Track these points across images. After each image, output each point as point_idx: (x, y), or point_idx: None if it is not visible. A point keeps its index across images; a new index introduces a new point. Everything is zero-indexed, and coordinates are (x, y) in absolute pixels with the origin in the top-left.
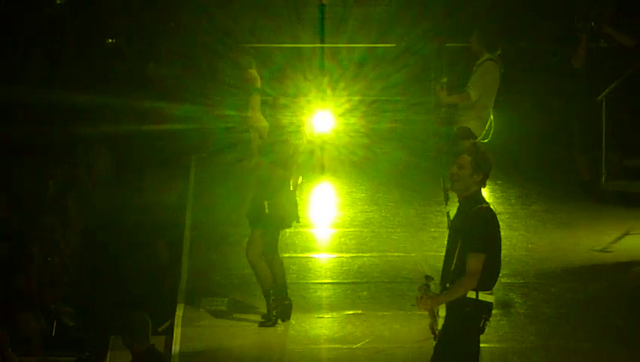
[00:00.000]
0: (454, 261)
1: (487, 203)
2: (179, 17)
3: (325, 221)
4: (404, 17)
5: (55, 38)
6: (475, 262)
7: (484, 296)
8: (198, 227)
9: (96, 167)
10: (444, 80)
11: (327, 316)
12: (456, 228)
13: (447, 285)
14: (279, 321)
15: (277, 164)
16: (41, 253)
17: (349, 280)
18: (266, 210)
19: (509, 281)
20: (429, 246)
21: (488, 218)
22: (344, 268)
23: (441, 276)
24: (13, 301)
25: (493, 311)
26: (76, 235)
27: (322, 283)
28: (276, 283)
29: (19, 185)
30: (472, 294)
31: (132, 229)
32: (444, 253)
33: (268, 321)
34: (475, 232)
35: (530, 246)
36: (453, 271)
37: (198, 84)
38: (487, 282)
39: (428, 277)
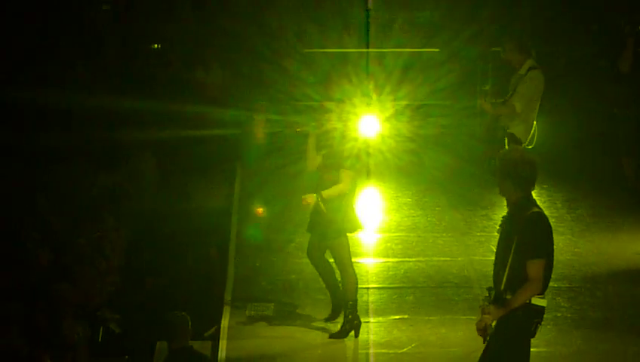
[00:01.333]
0: (507, 266)
1: (538, 207)
2: (225, 22)
3: (371, 226)
4: (450, 22)
5: (99, 43)
6: (536, 268)
7: (536, 300)
8: (243, 232)
9: (141, 172)
10: (487, 87)
11: (373, 321)
12: (508, 233)
13: (507, 296)
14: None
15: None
16: (86, 259)
17: (395, 285)
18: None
19: (555, 285)
20: (476, 250)
21: (541, 222)
22: (390, 272)
23: (493, 281)
24: (58, 307)
25: None
26: (121, 241)
27: (368, 287)
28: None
29: (63, 191)
30: (536, 301)
31: (177, 235)
32: (490, 258)
33: (340, 334)
34: (532, 238)
35: (576, 250)
36: (507, 277)
37: (244, 89)
38: (544, 285)
39: (490, 289)
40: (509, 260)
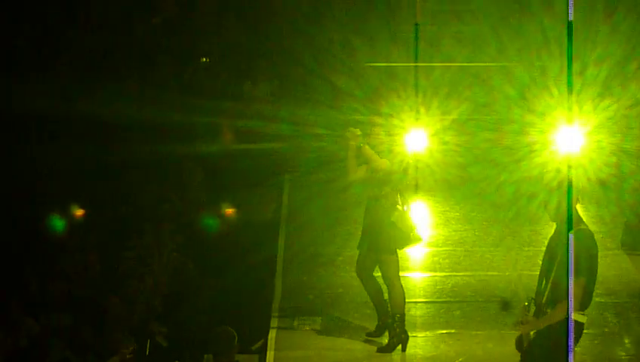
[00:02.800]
0: (550, 282)
1: (584, 224)
2: (273, 36)
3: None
4: (498, 35)
5: (149, 56)
6: (576, 287)
7: (577, 316)
8: (291, 246)
9: (188, 185)
10: None
11: (420, 335)
12: (552, 249)
13: (547, 309)
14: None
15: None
16: (134, 273)
17: (443, 299)
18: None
19: (602, 300)
20: (523, 265)
21: (586, 240)
22: (438, 287)
23: (535, 293)
24: (106, 321)
25: (588, 331)
26: (168, 254)
27: (416, 302)
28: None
29: (112, 204)
30: (578, 317)
31: (225, 248)
32: (537, 272)
33: (388, 348)
34: (574, 256)
35: (623, 265)
36: (548, 291)
37: (292, 103)
38: (586, 302)
39: (530, 300)
40: (552, 275)
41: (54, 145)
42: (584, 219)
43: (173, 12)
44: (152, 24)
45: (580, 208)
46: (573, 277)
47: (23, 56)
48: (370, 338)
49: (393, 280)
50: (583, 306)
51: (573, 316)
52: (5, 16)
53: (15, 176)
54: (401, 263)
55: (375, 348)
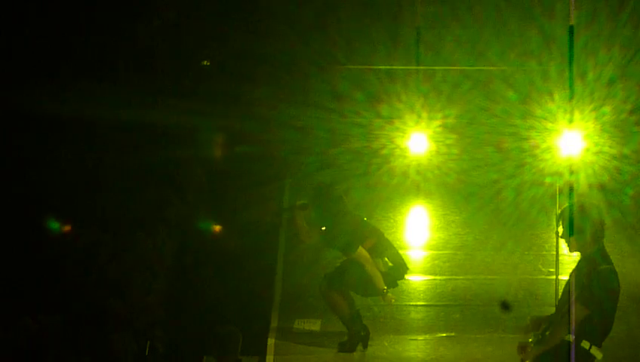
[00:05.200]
0: (567, 312)
1: (609, 262)
2: (273, 39)
3: (419, 243)
4: (499, 39)
5: (150, 60)
6: (576, 312)
7: (595, 351)
8: (291, 249)
9: (189, 188)
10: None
11: (420, 338)
12: (573, 284)
13: (546, 333)
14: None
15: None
16: (135, 275)
17: (443, 303)
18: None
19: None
20: (523, 269)
21: (608, 279)
22: (438, 290)
23: (549, 321)
24: (107, 321)
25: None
26: (169, 256)
27: (416, 305)
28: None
29: (113, 207)
30: (585, 344)
31: (225, 251)
32: (539, 276)
33: (348, 347)
34: (591, 289)
35: (624, 270)
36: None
37: (292, 106)
38: (597, 337)
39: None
40: (569, 307)
41: (55, 147)
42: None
43: (174, 15)
44: (154, 26)
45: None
46: (576, 303)
47: (23, 59)
48: (370, 341)
49: (327, 295)
50: (596, 339)
51: (592, 350)
52: (6, 17)
53: (17, 176)
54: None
55: (374, 351)
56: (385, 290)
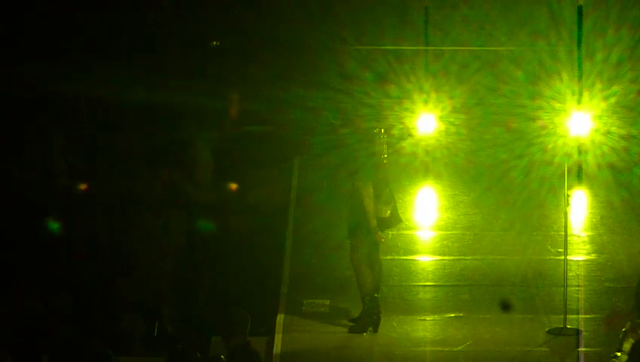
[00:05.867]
0: None
1: None
2: (282, 19)
3: (428, 223)
4: (508, 19)
5: (158, 40)
6: None
7: None
8: (300, 229)
9: (198, 168)
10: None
11: (428, 318)
12: None
13: None
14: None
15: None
16: (144, 256)
17: (451, 283)
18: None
19: (611, 285)
20: (532, 249)
21: None
22: (446, 270)
23: None
24: (116, 302)
25: (595, 315)
26: (179, 237)
27: (424, 285)
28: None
29: (120, 188)
30: None
31: (234, 231)
32: (547, 257)
33: (358, 328)
34: None
35: (632, 250)
36: None
37: (301, 87)
38: None
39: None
40: None
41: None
42: (591, 203)
43: None
44: (162, 6)
45: (588, 193)
46: None
47: (30, 39)
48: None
49: (358, 264)
50: None
51: None
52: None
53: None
54: (410, 246)
55: (383, 332)
56: (375, 228)
